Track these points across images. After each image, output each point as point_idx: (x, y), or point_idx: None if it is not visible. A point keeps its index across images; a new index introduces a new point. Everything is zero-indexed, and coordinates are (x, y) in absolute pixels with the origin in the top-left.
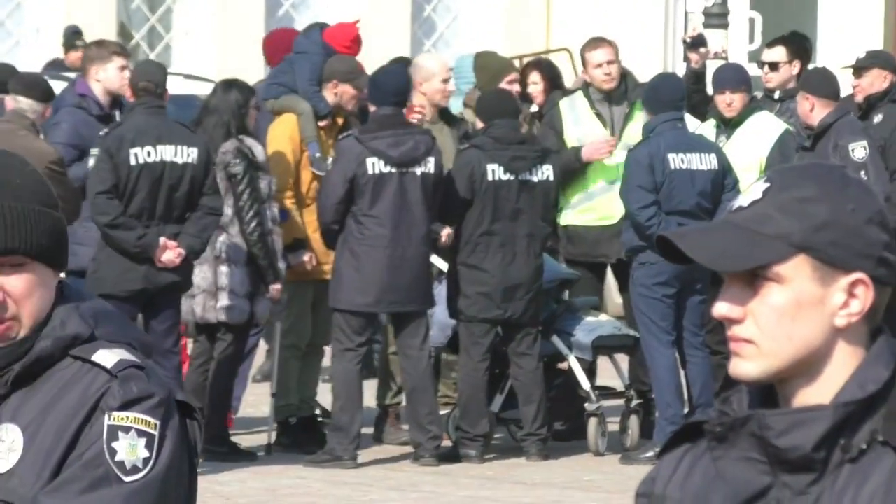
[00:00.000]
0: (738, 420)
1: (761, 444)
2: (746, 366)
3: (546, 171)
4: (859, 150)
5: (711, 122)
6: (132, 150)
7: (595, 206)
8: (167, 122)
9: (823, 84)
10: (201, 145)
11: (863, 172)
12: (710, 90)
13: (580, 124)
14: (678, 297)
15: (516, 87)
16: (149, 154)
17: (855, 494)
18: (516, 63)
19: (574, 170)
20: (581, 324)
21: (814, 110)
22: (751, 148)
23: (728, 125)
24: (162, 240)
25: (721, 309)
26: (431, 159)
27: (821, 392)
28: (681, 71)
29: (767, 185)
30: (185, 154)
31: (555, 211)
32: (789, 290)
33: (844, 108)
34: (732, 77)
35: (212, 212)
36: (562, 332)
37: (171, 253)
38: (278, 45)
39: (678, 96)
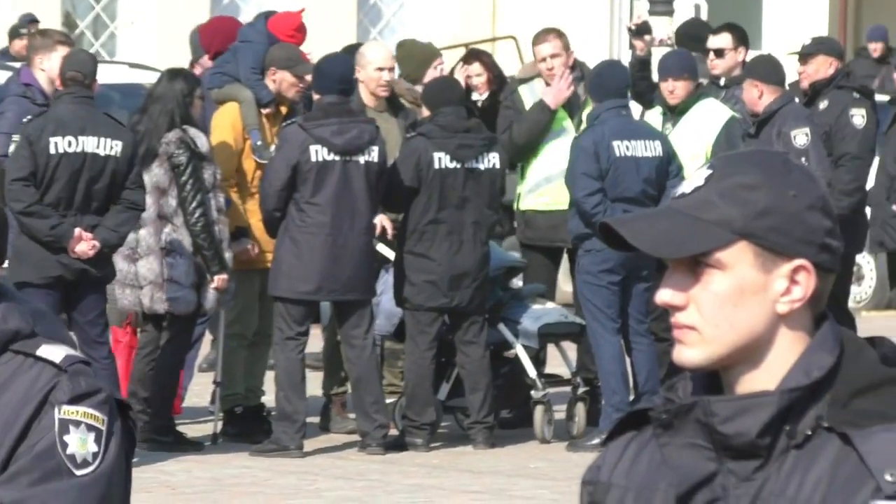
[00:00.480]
0: (684, 407)
1: (707, 430)
2: (689, 352)
3: (493, 159)
4: (801, 137)
5: (658, 110)
6: (52, 139)
7: (552, 190)
8: (94, 113)
9: (771, 71)
10: (127, 139)
11: (804, 159)
12: (655, 77)
13: None
14: (624, 285)
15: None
16: (69, 144)
17: (801, 480)
18: (463, 51)
19: (547, 124)
20: (527, 312)
21: (762, 97)
22: (697, 135)
23: (674, 112)
24: (77, 230)
25: (664, 296)
26: (375, 148)
27: (765, 378)
28: (627, 58)
29: (710, 172)
30: (109, 147)
31: (501, 198)
32: (731, 276)
33: (789, 94)
34: (675, 65)
35: (132, 206)
36: (508, 320)
37: (84, 244)
38: (214, 33)
39: (622, 84)
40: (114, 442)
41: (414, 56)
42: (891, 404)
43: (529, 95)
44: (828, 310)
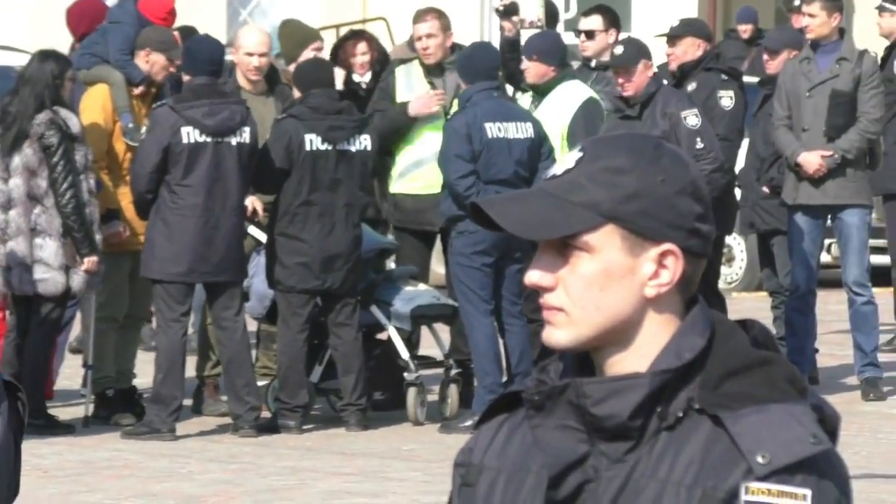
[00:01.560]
0: (556, 388)
1: (578, 412)
2: (557, 333)
3: (364, 141)
4: (692, 118)
5: (529, 92)
6: None
7: (423, 174)
8: None
9: (644, 53)
10: None
11: (698, 139)
12: None
13: (413, 91)
14: (497, 266)
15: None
16: None
17: (672, 461)
18: (333, 32)
19: (402, 127)
20: (400, 294)
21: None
22: (555, 116)
23: (540, 93)
24: None
25: (532, 277)
26: (247, 129)
27: (635, 361)
28: (497, 40)
29: (581, 154)
30: None
31: (373, 180)
32: (598, 259)
33: (662, 75)
34: (527, 45)
35: None
36: (381, 302)
37: None
38: (80, 15)
39: (493, 65)
40: (0, 422)
41: (293, 36)
42: (761, 386)
43: (405, 77)
44: (699, 293)
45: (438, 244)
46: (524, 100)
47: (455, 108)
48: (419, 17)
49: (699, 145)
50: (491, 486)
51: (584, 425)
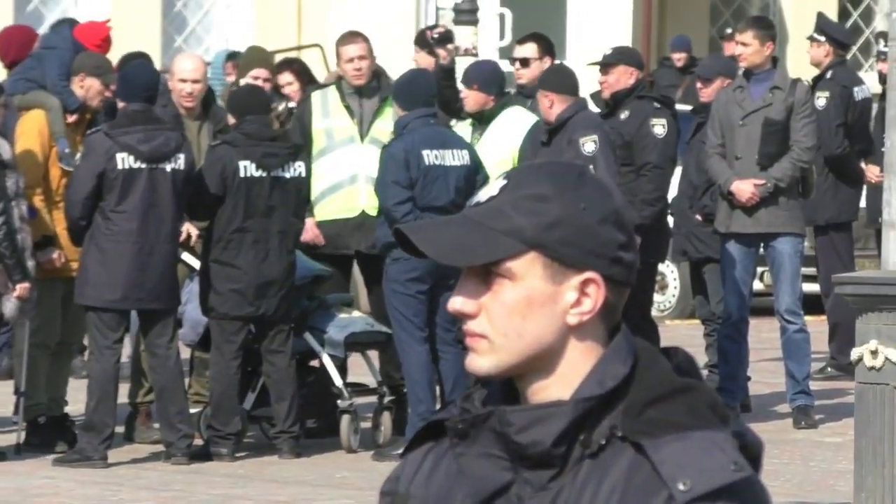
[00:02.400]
0: (479, 416)
1: (502, 440)
2: (480, 360)
3: (298, 168)
4: (589, 144)
5: (468, 120)
6: None
7: (337, 199)
8: None
9: (561, 80)
10: None
11: (591, 166)
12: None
13: (329, 116)
14: (431, 293)
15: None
16: None
17: (595, 489)
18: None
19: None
20: (334, 321)
21: (553, 106)
22: (502, 142)
23: (481, 121)
24: None
25: (455, 303)
26: (182, 156)
27: (558, 388)
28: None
29: (505, 181)
30: None
31: (307, 206)
32: (521, 287)
33: (580, 103)
34: (466, 74)
35: None
36: (314, 329)
37: None
38: (9, 42)
39: (430, 92)
40: None
41: (252, 59)
42: (683, 413)
43: (320, 103)
44: (623, 321)
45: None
46: (463, 128)
47: (372, 134)
48: (347, 39)
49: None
50: None
51: (508, 453)
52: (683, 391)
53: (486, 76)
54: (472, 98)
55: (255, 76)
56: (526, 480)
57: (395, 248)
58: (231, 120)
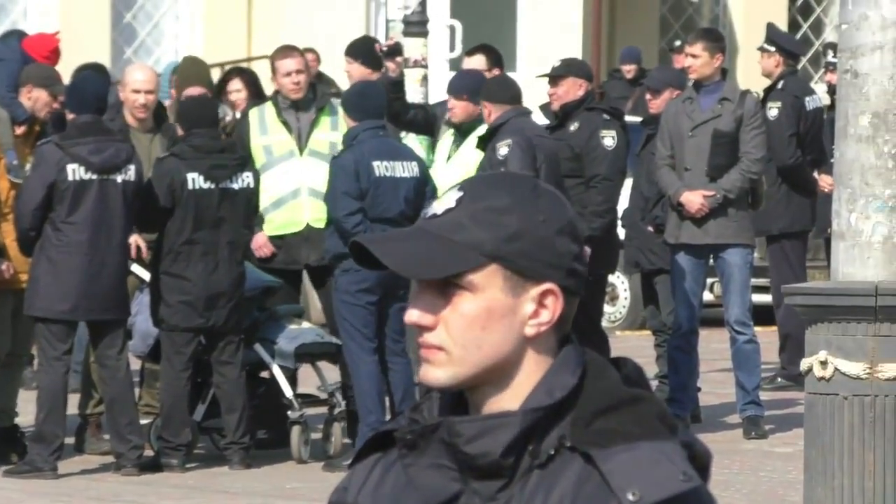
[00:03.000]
0: (429, 427)
1: (451, 450)
2: (437, 372)
3: (246, 179)
4: (502, 148)
5: (451, 130)
6: None
7: (283, 213)
8: None
9: (500, 90)
10: None
11: (503, 169)
12: (410, 98)
13: (267, 133)
14: (381, 304)
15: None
16: None
17: (544, 499)
18: (218, 70)
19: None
20: (284, 332)
21: (491, 116)
22: (474, 155)
23: (461, 132)
24: None
25: (412, 316)
26: (132, 167)
27: (510, 399)
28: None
29: (461, 193)
30: None
31: (255, 218)
32: (481, 298)
33: (518, 110)
34: (454, 84)
35: None
36: (265, 341)
37: None
38: None
39: (380, 104)
40: None
41: (188, 74)
42: (631, 424)
43: (258, 119)
44: (574, 332)
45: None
46: (446, 137)
47: (311, 147)
48: (283, 54)
49: None
50: None
51: (457, 464)
52: (632, 402)
53: (476, 87)
54: (460, 108)
55: (191, 94)
56: (475, 491)
57: (344, 259)
58: (180, 132)
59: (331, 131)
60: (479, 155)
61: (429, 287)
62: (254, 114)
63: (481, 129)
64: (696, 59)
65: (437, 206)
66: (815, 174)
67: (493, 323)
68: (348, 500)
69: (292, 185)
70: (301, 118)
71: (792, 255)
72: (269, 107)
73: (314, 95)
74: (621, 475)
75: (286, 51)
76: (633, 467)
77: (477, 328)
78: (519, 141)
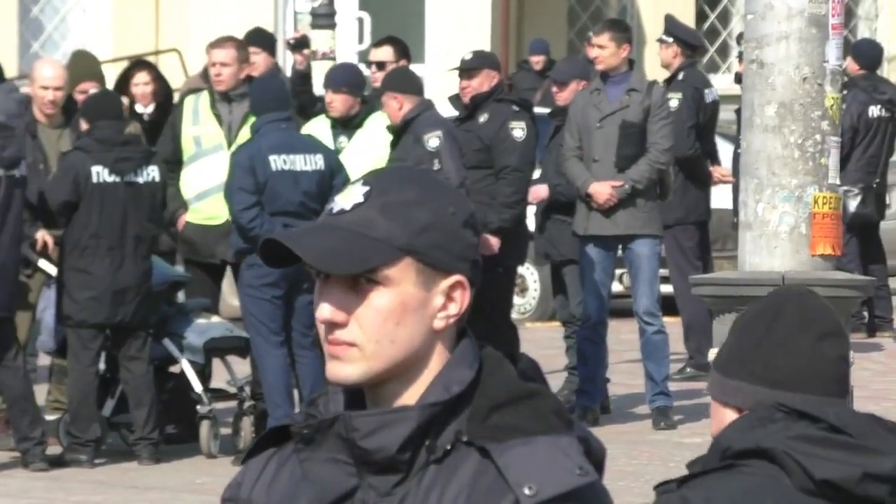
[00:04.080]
0: (325, 421)
1: (347, 445)
2: (348, 369)
3: (152, 173)
4: (433, 140)
5: (325, 122)
6: None
7: (205, 206)
8: None
9: (405, 81)
10: None
11: (436, 161)
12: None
13: (199, 123)
14: (287, 298)
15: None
16: None
17: (440, 493)
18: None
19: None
20: (192, 326)
21: (402, 108)
22: (368, 148)
23: (343, 125)
24: None
25: (324, 312)
26: (24, 163)
27: (411, 395)
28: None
29: (367, 188)
30: None
31: (162, 212)
32: (395, 293)
33: (426, 103)
34: (332, 77)
35: None
36: (173, 335)
37: None
38: None
39: (282, 96)
40: None
41: (78, 69)
42: (528, 419)
43: (190, 109)
44: (484, 324)
45: (231, 275)
46: (321, 129)
47: (239, 141)
48: (217, 43)
49: (436, 166)
50: None
51: (353, 458)
52: (528, 397)
53: (356, 80)
54: (339, 101)
55: (83, 90)
56: (370, 486)
57: (249, 255)
58: (84, 126)
59: None
60: (372, 146)
61: (338, 283)
62: (189, 102)
63: (375, 121)
64: (602, 50)
65: (343, 201)
66: (709, 165)
67: (406, 317)
68: (242, 495)
69: (217, 179)
70: (234, 110)
71: (686, 246)
72: (204, 96)
73: (249, 88)
74: (518, 469)
75: (219, 41)
76: (529, 462)
77: (391, 323)
78: (449, 132)
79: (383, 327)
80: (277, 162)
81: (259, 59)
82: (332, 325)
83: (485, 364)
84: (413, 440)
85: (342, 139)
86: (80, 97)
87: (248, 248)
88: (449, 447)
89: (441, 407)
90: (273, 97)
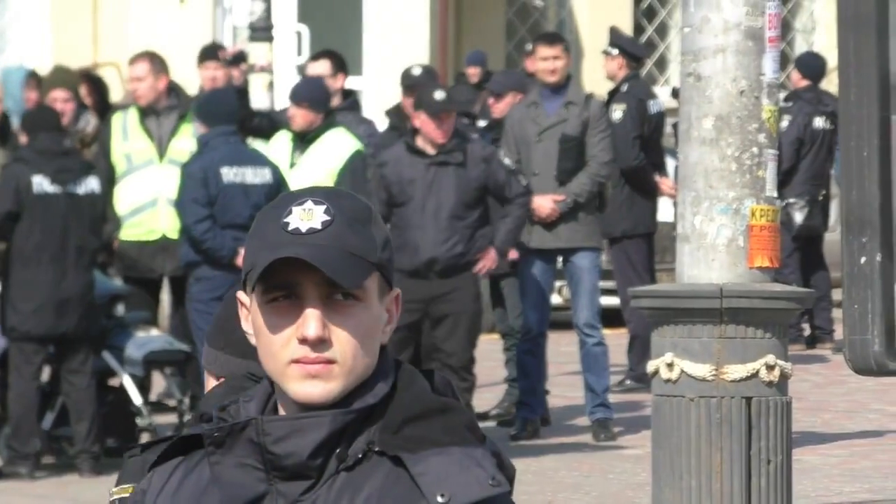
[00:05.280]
0: (238, 425)
1: (258, 450)
2: (329, 386)
3: (92, 184)
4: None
5: (287, 136)
6: None
7: (141, 221)
8: None
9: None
10: None
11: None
12: (255, 105)
13: (128, 139)
14: None
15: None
16: None
17: (350, 501)
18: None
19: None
20: (132, 339)
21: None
22: (324, 162)
23: (303, 140)
24: None
25: (312, 330)
26: None
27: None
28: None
29: (325, 205)
30: None
31: (104, 224)
32: (368, 307)
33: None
34: (295, 91)
35: None
36: (113, 348)
37: None
38: None
39: (231, 110)
40: None
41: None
42: (441, 432)
43: (119, 126)
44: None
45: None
46: (283, 143)
47: (169, 155)
48: (133, 59)
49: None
50: None
51: (264, 464)
52: (441, 411)
53: (317, 95)
54: (300, 116)
55: (55, 97)
56: (279, 492)
57: (197, 268)
58: (23, 139)
59: (191, 139)
60: (325, 160)
61: (315, 301)
62: (117, 119)
63: (330, 139)
64: (558, 61)
65: (310, 220)
66: (657, 177)
67: (374, 331)
68: (146, 502)
69: (150, 195)
70: (163, 124)
71: (635, 258)
72: (132, 112)
73: (178, 102)
74: (432, 478)
75: (136, 56)
76: (443, 470)
77: (368, 337)
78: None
79: (361, 343)
80: (229, 174)
81: (219, 75)
82: (316, 344)
83: (399, 377)
84: (325, 447)
85: (297, 153)
86: (59, 106)
87: (198, 261)
88: (360, 456)
89: (355, 415)
90: (224, 110)
